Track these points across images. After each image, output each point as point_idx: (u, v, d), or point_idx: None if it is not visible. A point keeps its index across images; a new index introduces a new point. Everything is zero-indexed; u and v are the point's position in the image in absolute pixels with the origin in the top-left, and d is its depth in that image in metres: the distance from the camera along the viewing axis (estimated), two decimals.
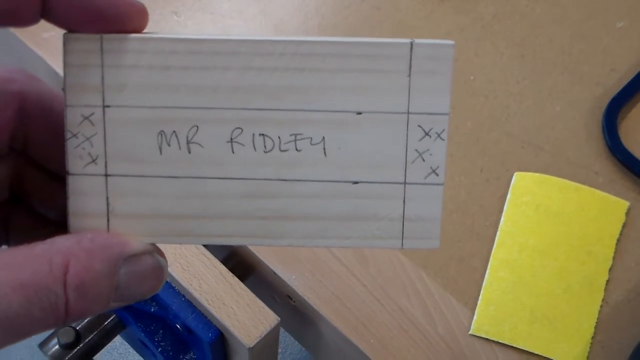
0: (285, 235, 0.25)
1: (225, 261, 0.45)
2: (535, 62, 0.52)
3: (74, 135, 0.24)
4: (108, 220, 0.25)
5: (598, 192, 0.46)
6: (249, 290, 0.43)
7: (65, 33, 0.24)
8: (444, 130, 0.24)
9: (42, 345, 0.49)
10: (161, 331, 0.51)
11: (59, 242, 0.20)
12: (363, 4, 0.55)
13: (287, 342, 1.11)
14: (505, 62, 0.52)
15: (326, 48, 0.24)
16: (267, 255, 0.44)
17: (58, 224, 0.26)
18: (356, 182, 0.24)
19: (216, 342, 0.45)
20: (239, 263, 0.47)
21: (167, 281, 0.44)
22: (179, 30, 0.53)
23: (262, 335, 0.41)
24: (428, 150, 0.24)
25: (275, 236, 0.25)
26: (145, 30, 0.24)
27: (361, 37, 0.24)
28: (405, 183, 0.24)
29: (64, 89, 0.24)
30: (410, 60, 0.24)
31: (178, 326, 0.48)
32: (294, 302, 0.45)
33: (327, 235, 0.25)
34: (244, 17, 0.55)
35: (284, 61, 0.24)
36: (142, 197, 0.25)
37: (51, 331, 0.49)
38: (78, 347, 0.50)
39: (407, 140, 0.24)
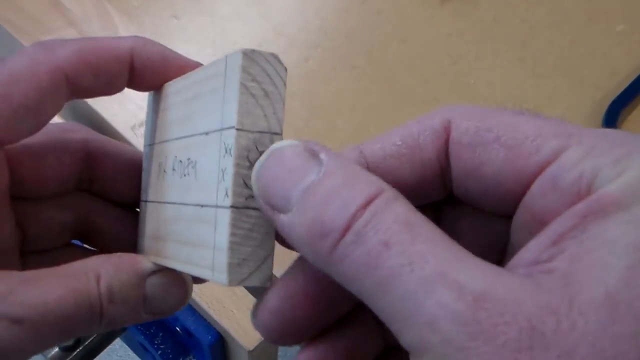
0: (189, 261, 0.23)
1: None
2: (535, 66, 0.52)
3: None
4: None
5: None
6: (249, 293, 0.43)
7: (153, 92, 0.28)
8: (232, 145, 0.21)
9: None
10: (161, 334, 0.51)
11: (92, 259, 0.24)
12: (363, 6, 0.55)
13: None
14: (506, 66, 0.52)
15: (190, 78, 0.25)
16: None
17: None
18: (202, 206, 0.22)
19: (216, 345, 0.45)
20: None
21: None
22: (179, 33, 0.54)
23: (262, 339, 0.41)
24: (226, 168, 0.21)
25: (189, 262, 0.23)
26: (142, 36, 0.27)
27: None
28: (216, 206, 0.21)
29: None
30: (225, 75, 0.22)
31: (178, 329, 0.48)
32: None
33: (189, 261, 0.23)
34: (243, 19, 0.55)
35: (178, 97, 0.26)
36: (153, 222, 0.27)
37: None
38: (78, 350, 0.50)
39: (218, 159, 0.22)
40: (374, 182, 0.19)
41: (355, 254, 0.17)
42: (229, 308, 0.42)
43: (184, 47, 0.52)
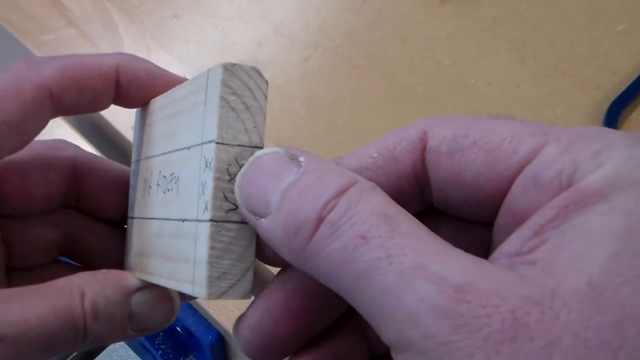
0: (171, 276, 0.23)
1: None
2: (535, 66, 0.52)
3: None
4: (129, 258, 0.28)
5: None
6: None
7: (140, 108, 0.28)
8: (212, 159, 0.20)
9: None
10: (161, 334, 0.51)
11: (77, 276, 0.24)
12: (364, 6, 0.55)
13: None
14: (506, 65, 0.52)
15: (174, 94, 0.25)
16: None
17: None
18: (184, 221, 0.22)
19: (216, 345, 0.45)
20: None
21: None
22: (179, 33, 0.54)
23: None
24: (206, 182, 0.21)
25: (171, 277, 0.23)
26: (144, 34, 0.26)
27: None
28: (196, 220, 0.21)
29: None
30: (206, 89, 0.21)
31: (178, 329, 0.48)
32: None
33: (171, 277, 0.23)
34: (244, 19, 0.55)
35: (161, 114, 0.26)
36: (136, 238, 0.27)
37: None
38: None
39: (199, 173, 0.21)
40: (347, 174, 0.19)
41: (331, 248, 0.17)
42: (229, 308, 0.42)
43: (184, 46, 0.52)
